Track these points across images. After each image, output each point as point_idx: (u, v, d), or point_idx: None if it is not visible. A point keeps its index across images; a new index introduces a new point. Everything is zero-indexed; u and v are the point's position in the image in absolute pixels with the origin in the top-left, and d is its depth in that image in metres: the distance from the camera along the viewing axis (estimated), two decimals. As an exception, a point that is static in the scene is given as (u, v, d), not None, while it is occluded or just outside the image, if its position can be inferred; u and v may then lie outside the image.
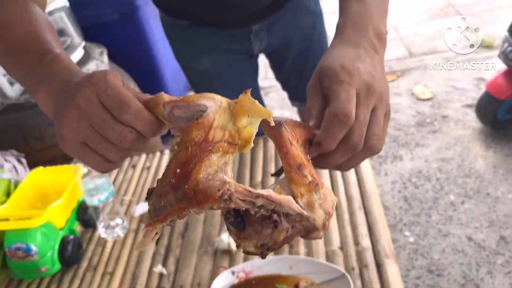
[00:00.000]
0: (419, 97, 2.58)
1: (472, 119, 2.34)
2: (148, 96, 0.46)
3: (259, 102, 1.33)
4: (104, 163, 0.47)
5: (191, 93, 2.73)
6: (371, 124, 0.48)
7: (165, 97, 0.44)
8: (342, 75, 0.48)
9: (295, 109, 1.51)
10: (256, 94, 1.34)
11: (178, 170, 0.42)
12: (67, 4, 1.63)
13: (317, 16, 1.22)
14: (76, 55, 1.60)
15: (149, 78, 2.08)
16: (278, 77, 1.38)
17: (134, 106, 0.44)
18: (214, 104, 0.44)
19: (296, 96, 1.43)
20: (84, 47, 1.68)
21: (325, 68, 0.50)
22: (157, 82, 2.13)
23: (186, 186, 0.41)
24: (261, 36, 1.15)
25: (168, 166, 0.44)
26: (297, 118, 1.70)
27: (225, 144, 0.43)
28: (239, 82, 1.25)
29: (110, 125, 0.44)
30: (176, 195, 0.42)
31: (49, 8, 1.50)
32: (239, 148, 0.45)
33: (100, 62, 1.59)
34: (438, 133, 2.31)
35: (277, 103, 2.78)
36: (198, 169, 0.41)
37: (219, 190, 0.41)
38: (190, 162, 0.42)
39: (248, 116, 0.44)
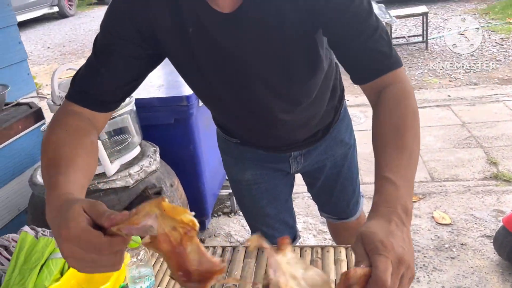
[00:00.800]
0: (439, 221, 2.68)
1: (490, 250, 2.39)
2: (114, 214, 0.59)
3: (290, 214, 1.54)
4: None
5: (225, 191, 2.92)
6: None
7: (121, 228, 0.57)
8: (381, 249, 0.59)
9: (318, 215, 1.64)
10: (289, 206, 1.50)
11: (180, 273, 0.57)
12: (134, 108, 1.91)
13: (350, 147, 1.41)
14: (134, 152, 1.84)
15: (191, 175, 2.34)
16: (310, 191, 1.56)
17: (106, 245, 0.57)
18: (152, 220, 0.55)
19: (324, 209, 1.59)
20: (140, 145, 1.93)
21: (366, 237, 0.62)
22: (198, 178, 2.37)
23: (192, 277, 0.57)
24: (298, 160, 1.34)
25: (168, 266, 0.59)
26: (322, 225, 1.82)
27: (186, 236, 0.56)
28: (275, 194, 1.42)
29: (99, 261, 0.59)
30: (192, 285, 0.58)
31: (121, 111, 1.78)
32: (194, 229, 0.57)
33: (153, 159, 1.81)
34: (456, 260, 2.36)
35: (303, 209, 2.92)
36: (189, 265, 0.57)
37: (216, 266, 0.57)
38: (181, 264, 0.57)
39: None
